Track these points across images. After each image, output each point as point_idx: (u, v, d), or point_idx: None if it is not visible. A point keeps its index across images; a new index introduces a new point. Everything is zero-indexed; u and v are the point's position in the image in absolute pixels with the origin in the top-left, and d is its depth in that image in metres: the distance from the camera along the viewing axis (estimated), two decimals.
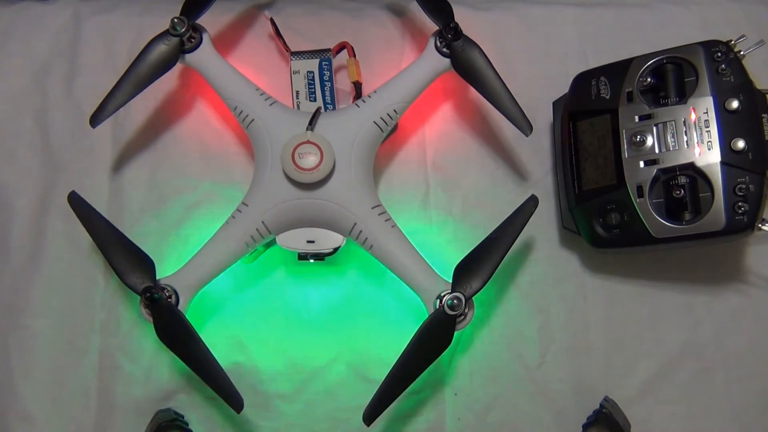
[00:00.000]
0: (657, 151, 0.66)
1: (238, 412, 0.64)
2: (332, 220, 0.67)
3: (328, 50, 0.76)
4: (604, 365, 0.72)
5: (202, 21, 0.73)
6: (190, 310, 0.67)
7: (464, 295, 0.63)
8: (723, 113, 0.65)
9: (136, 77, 0.70)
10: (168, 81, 0.76)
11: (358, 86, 0.75)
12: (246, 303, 0.73)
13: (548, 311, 0.73)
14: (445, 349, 0.63)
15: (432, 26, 0.72)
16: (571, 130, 0.71)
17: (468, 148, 0.76)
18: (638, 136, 0.67)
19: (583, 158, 0.71)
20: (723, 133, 0.64)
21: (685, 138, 0.66)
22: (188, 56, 0.72)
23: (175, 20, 0.70)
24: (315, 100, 0.75)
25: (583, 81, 0.72)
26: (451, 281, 0.65)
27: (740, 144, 0.63)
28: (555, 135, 0.75)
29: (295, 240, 0.68)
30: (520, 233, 0.65)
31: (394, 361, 0.64)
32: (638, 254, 0.73)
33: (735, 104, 0.64)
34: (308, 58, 0.75)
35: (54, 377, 0.71)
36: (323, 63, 0.75)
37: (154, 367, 0.71)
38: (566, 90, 0.73)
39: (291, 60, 0.76)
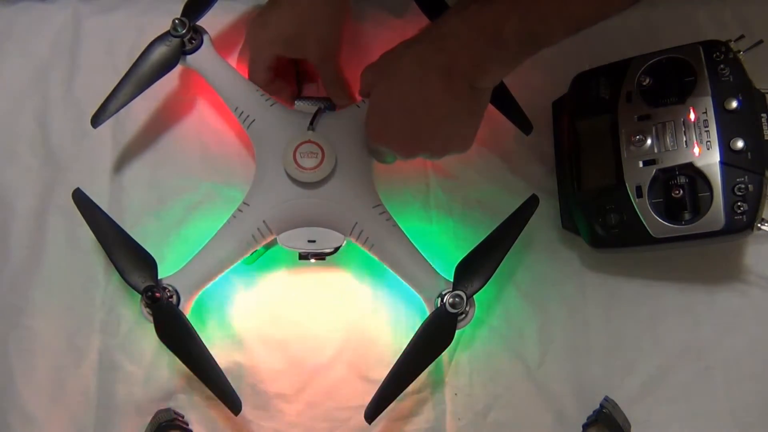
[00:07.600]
0: (656, 151, 0.66)
1: (236, 414, 0.64)
2: (333, 220, 0.67)
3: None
4: (604, 365, 0.72)
5: (202, 22, 0.73)
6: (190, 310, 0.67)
7: (466, 294, 0.63)
8: (722, 113, 0.65)
9: (138, 78, 0.70)
10: (168, 81, 0.75)
11: None
12: (246, 303, 0.73)
13: (548, 311, 0.73)
14: (446, 347, 0.64)
15: None
16: (571, 130, 0.72)
17: None
18: (637, 136, 0.67)
19: (582, 158, 0.71)
20: (722, 133, 0.64)
21: (684, 138, 0.66)
22: (189, 58, 0.72)
23: (176, 21, 0.70)
24: None
25: (582, 81, 0.72)
26: (451, 280, 0.65)
27: (739, 144, 0.64)
28: (555, 135, 0.75)
29: (296, 239, 0.67)
30: (521, 233, 0.65)
31: (394, 361, 0.64)
32: (638, 254, 0.73)
33: (734, 104, 0.64)
34: (312, 104, 0.74)
35: (54, 377, 0.71)
36: (326, 110, 0.73)
37: (154, 367, 0.71)
38: (566, 90, 0.73)
39: (296, 103, 0.74)
